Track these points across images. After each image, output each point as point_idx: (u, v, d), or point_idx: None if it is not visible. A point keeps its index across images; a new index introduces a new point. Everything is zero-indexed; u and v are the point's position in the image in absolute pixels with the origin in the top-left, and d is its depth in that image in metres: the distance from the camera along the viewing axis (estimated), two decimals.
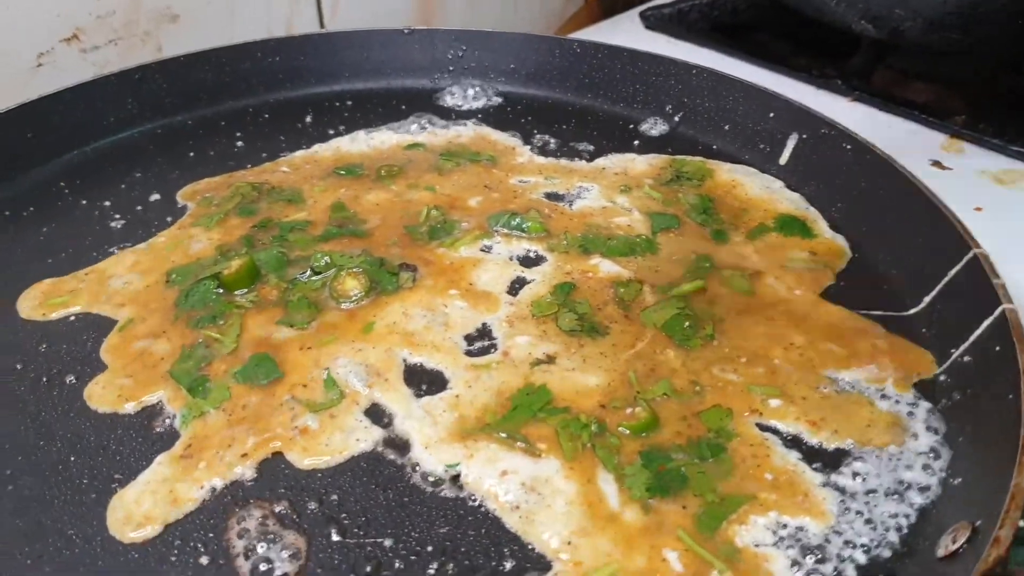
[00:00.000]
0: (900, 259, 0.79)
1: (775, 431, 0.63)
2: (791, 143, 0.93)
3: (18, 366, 0.70)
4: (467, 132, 1.02)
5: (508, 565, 0.55)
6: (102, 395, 0.67)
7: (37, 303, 0.76)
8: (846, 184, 0.87)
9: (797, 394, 0.65)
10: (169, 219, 0.88)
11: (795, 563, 0.54)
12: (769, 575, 0.53)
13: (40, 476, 0.61)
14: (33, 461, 0.62)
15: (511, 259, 0.80)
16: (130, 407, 0.66)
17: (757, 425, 0.63)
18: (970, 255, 0.71)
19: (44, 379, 0.69)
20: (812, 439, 0.63)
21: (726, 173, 0.92)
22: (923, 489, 0.59)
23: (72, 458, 0.62)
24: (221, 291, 0.75)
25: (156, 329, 0.72)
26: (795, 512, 0.57)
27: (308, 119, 1.06)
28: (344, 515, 0.58)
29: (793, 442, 0.62)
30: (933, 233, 0.75)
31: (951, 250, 0.73)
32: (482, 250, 0.81)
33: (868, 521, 0.57)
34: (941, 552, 0.53)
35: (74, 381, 0.68)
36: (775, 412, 0.64)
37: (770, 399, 0.65)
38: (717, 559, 0.53)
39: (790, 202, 0.88)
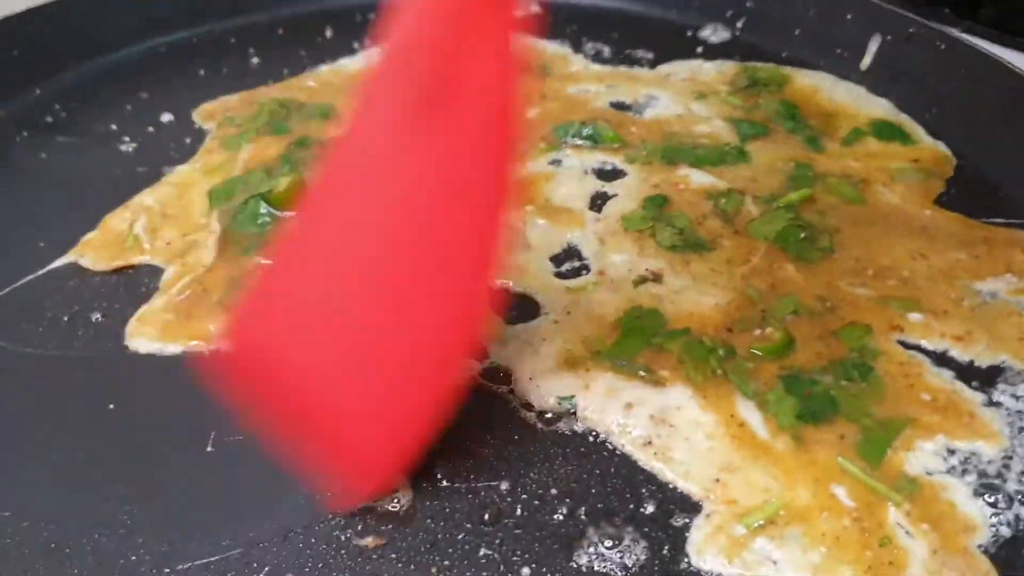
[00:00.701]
0: (1014, 163, 0.71)
1: (919, 348, 0.56)
2: (873, 46, 0.85)
3: (48, 314, 0.60)
4: None
5: (649, 508, 0.47)
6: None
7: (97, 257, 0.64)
8: (941, 87, 0.78)
9: (938, 307, 0.58)
10: (188, 140, 0.77)
11: (977, 492, 0.47)
12: (952, 506, 0.47)
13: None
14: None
15: (586, 172, 0.71)
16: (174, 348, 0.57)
17: (899, 342, 0.56)
18: None
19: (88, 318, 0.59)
20: (963, 356, 0.56)
21: (804, 79, 0.84)
22: None
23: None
24: (268, 214, 0.65)
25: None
26: (964, 435, 0.50)
27: (328, 33, 0.95)
28: (447, 456, 0.50)
29: (943, 360, 0.55)
30: None
31: None
32: (551, 164, 0.72)
33: None
34: None
35: (100, 318, 0.59)
36: (917, 328, 0.57)
37: (909, 313, 0.58)
38: (895, 492, 0.46)
39: (880, 108, 0.80)
